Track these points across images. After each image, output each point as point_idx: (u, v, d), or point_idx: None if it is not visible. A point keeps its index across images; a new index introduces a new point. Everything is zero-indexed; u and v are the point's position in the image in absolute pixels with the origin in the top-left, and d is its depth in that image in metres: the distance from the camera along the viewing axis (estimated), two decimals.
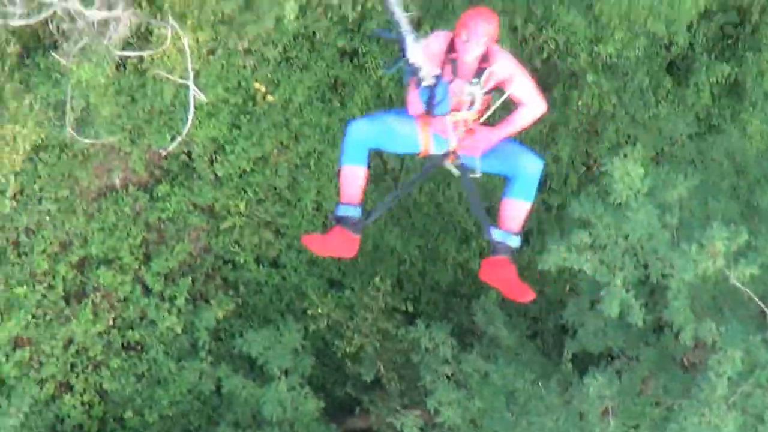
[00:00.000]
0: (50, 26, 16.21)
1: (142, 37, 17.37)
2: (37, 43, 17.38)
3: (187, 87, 16.30)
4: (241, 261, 21.08)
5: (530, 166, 8.95)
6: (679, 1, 19.26)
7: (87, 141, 18.34)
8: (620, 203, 15.20)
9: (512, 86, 8.91)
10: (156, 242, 20.88)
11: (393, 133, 8.96)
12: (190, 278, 20.75)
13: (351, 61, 20.93)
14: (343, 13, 19.14)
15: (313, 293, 21.00)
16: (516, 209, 8.94)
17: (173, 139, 18.74)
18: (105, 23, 15.96)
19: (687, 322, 15.08)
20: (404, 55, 8.63)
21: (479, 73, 8.79)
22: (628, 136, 21.36)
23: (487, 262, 9.20)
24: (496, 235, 9.06)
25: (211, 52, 19.23)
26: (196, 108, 17.07)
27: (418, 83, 8.72)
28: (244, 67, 20.34)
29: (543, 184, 21.28)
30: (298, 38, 20.38)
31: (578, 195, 17.08)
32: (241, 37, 17.97)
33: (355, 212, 9.03)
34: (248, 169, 20.94)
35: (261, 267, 21.19)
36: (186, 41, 15.86)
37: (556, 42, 20.11)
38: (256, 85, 20.57)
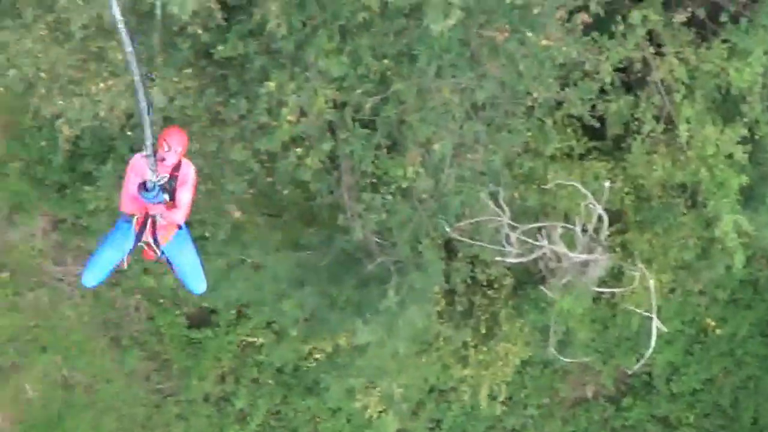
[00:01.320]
0: (540, 264, 18.22)
1: (615, 276, 18.80)
2: (528, 278, 19.17)
3: (650, 319, 17.99)
4: None
5: (198, 287, 10.52)
6: None
7: (566, 360, 19.98)
8: None
9: (180, 190, 10.37)
10: None
11: (115, 256, 10.47)
12: None
13: None
14: None
15: None
16: None
17: (638, 360, 19.82)
18: (585, 264, 17.91)
19: None
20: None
21: (172, 178, 10.39)
22: None
23: None
24: None
25: (671, 291, 20.49)
26: (657, 336, 18.46)
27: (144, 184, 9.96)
28: (698, 305, 21.99)
29: None
30: (744, 283, 22.06)
31: None
32: (696, 280, 19.51)
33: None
34: (697, 388, 22.71)
35: None
36: (651, 282, 17.60)
37: None
38: (707, 320, 22.24)
